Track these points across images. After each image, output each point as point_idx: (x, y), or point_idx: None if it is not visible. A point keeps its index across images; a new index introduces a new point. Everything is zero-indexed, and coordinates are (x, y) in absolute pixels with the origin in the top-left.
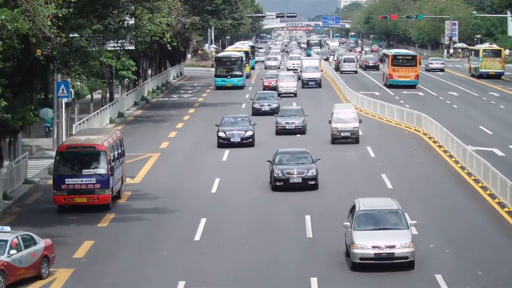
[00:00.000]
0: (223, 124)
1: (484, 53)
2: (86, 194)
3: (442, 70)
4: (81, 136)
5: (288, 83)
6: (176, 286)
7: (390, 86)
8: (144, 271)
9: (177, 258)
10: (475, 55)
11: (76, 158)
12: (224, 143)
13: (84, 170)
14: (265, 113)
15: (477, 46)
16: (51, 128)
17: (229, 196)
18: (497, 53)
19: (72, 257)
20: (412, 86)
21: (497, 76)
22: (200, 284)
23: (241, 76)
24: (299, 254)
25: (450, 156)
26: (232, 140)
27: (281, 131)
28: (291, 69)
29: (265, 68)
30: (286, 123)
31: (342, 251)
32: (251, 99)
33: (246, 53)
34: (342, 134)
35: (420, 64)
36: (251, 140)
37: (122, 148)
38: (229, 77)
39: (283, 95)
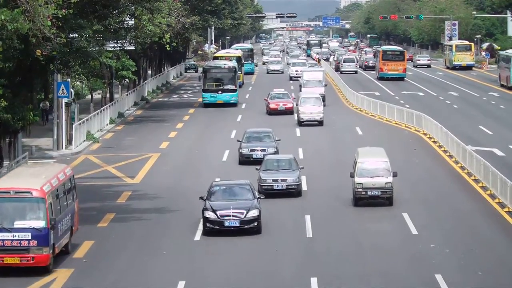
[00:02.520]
0: (212, 195)
1: (457, 48)
2: (18, 253)
3: (428, 66)
4: (16, 178)
5: (313, 108)
6: (176, 286)
7: (381, 78)
8: (144, 271)
9: (177, 258)
10: (449, 50)
11: (7, 206)
12: (215, 228)
13: (16, 223)
14: (257, 162)
15: (451, 42)
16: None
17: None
18: (468, 48)
19: (72, 257)
20: (400, 79)
21: (468, 68)
22: (200, 284)
23: (234, 91)
24: (299, 254)
25: (450, 156)
26: (227, 224)
27: (267, 193)
28: (294, 77)
29: (267, 72)
30: (273, 180)
31: (342, 251)
32: (238, 140)
33: (238, 59)
34: (369, 192)
35: (412, 60)
36: (256, 224)
37: (73, 190)
38: (220, 92)
39: (305, 123)
